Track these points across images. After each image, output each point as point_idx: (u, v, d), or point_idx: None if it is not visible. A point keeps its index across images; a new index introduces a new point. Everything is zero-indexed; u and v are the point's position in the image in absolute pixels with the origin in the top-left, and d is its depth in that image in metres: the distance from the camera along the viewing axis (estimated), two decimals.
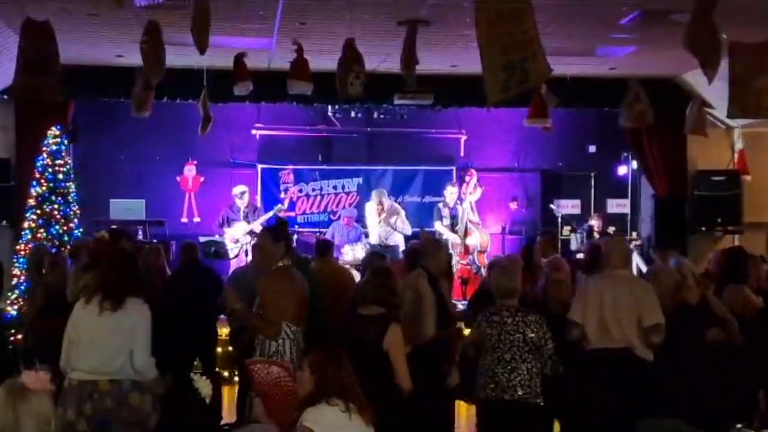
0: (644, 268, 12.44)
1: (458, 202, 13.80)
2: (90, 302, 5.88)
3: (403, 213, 13.92)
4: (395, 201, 14.88)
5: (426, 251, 7.65)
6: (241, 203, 13.62)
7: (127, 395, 5.73)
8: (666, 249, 9.89)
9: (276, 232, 7.02)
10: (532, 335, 6.11)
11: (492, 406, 6.12)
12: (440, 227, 13.64)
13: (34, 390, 3.68)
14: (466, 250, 13.56)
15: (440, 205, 13.97)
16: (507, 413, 6.05)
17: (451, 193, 13.88)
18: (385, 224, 13.56)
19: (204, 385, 5.44)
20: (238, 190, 13.72)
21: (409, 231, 13.54)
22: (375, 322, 6.04)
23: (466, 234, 13.61)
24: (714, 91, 11.23)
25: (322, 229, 14.31)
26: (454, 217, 13.75)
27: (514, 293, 6.34)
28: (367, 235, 13.83)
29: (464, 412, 8.76)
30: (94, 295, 5.89)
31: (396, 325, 6.01)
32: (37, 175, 11.92)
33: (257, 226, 13.08)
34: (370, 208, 13.99)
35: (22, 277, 11.03)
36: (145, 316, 5.88)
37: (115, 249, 7.01)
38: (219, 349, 9.58)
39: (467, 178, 14.12)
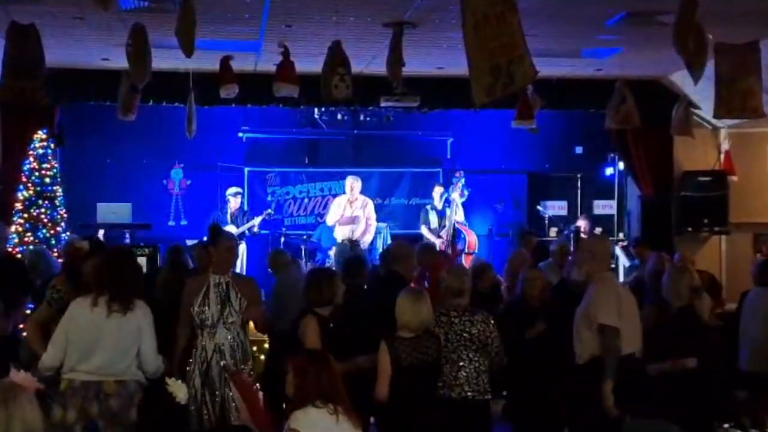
0: (627, 263, 12.57)
1: (446, 204, 13.77)
2: (97, 303, 5.79)
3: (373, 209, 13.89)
4: (382, 203, 14.88)
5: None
6: (234, 204, 13.61)
7: (132, 396, 5.74)
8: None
9: None
10: (478, 333, 6.24)
11: (441, 403, 6.17)
12: (425, 231, 13.61)
13: (24, 389, 3.68)
14: (455, 252, 13.54)
15: (428, 207, 13.93)
16: (455, 411, 6.11)
17: (439, 194, 13.86)
18: (355, 208, 13.45)
19: (178, 389, 5.43)
20: (232, 190, 13.75)
21: (374, 221, 13.50)
22: None
23: (453, 235, 13.61)
24: (700, 92, 11.27)
25: (309, 232, 14.30)
26: (441, 218, 13.72)
27: (464, 293, 6.44)
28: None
29: None
30: (100, 295, 5.81)
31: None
32: (24, 179, 11.88)
33: (246, 230, 13.16)
34: (340, 199, 13.88)
35: None
36: (150, 317, 5.94)
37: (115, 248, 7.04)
38: None
39: (455, 179, 14.14)
